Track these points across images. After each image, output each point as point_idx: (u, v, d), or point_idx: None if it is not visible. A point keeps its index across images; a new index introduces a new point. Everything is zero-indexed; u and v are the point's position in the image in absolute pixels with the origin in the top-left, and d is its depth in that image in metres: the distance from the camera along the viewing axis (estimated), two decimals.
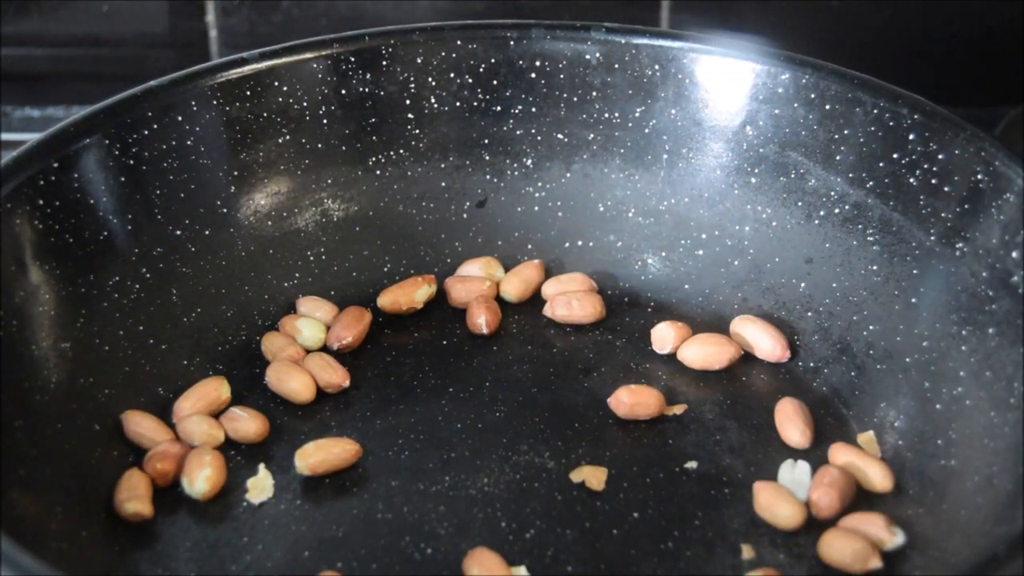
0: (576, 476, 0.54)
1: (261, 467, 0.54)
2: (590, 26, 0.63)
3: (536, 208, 0.65)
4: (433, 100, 0.64)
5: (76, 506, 0.51)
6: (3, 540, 0.42)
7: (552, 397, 0.58)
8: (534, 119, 0.64)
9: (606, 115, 0.64)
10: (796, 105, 0.60)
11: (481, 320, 0.61)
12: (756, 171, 0.61)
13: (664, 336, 0.60)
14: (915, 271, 0.56)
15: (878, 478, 0.53)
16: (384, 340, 0.61)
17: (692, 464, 0.54)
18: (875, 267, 0.58)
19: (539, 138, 0.64)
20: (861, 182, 0.58)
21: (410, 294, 0.62)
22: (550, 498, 0.53)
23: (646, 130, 0.63)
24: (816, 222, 0.60)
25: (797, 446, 0.55)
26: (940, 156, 0.56)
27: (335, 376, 0.57)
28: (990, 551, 0.43)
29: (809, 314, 0.60)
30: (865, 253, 0.58)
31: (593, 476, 0.54)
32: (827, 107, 0.59)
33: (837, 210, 0.59)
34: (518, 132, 0.64)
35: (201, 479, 0.53)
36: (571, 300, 0.61)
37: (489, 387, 0.58)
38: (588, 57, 0.63)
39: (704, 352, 0.59)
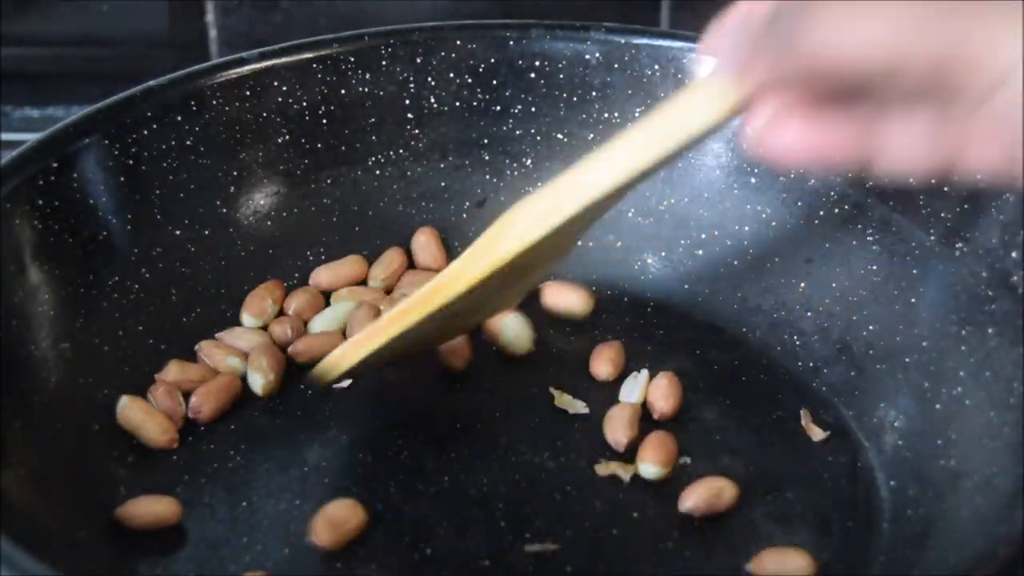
0: (603, 469, 0.54)
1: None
2: (590, 26, 0.63)
3: None
4: (432, 100, 0.64)
5: (76, 506, 0.51)
6: (3, 540, 0.42)
7: (552, 397, 0.58)
8: (534, 119, 0.64)
9: (606, 115, 0.63)
10: None
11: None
12: (756, 171, 0.61)
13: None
14: (915, 271, 0.56)
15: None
16: None
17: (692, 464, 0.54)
18: (875, 267, 0.58)
19: (539, 138, 0.64)
20: (861, 182, 0.58)
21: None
22: (550, 498, 0.53)
23: None
24: (816, 222, 0.60)
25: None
26: None
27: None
28: (990, 551, 0.43)
29: (809, 314, 0.60)
30: (865, 253, 0.58)
31: (622, 469, 0.54)
32: None
33: (837, 210, 0.59)
34: (518, 132, 0.64)
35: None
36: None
37: (489, 387, 0.58)
38: (588, 57, 0.63)
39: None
